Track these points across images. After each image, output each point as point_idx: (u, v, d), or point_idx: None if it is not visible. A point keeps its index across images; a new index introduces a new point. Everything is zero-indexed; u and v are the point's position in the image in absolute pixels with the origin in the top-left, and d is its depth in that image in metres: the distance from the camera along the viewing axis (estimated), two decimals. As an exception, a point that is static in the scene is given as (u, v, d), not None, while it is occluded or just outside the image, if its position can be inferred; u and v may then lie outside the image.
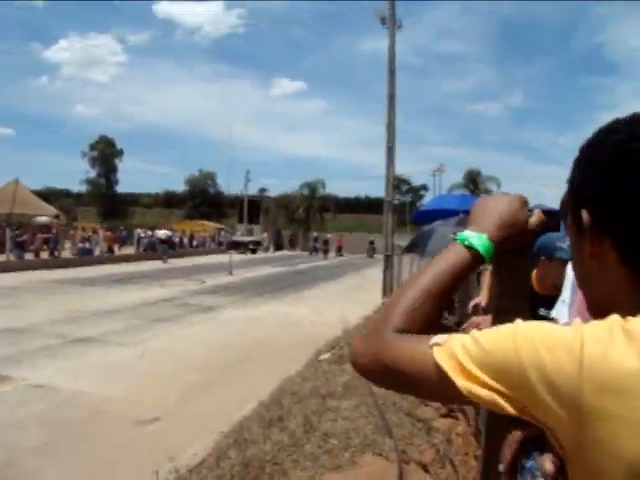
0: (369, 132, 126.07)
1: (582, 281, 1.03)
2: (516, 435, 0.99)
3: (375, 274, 21.33)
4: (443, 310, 1.07)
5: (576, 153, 1.00)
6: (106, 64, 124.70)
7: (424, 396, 1.15)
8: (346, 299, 17.64)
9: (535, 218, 1.16)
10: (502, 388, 0.84)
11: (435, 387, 0.90)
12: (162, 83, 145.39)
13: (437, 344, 0.91)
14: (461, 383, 0.86)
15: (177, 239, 43.59)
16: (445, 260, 1.08)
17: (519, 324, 0.88)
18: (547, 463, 0.87)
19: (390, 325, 1.00)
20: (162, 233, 36.36)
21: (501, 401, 0.84)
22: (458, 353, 0.88)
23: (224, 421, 5.72)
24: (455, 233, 1.11)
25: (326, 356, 7.47)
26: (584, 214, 0.93)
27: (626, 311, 0.86)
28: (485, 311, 4.24)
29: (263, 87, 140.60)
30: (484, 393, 0.85)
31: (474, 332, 0.90)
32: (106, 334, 11.41)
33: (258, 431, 4.75)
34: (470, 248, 1.08)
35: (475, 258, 1.08)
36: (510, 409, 0.84)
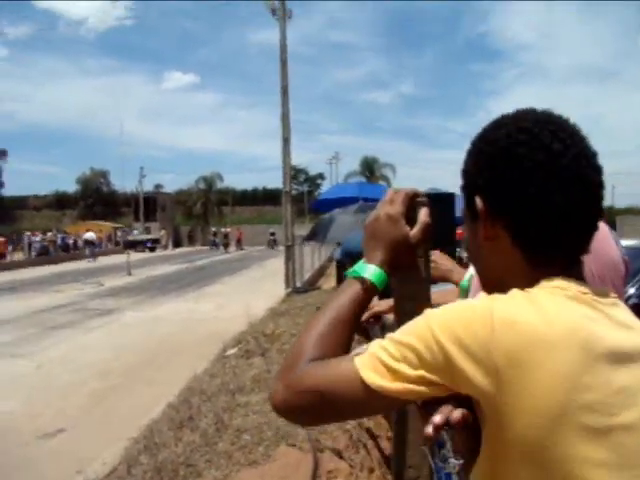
0: (264, 123, 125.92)
1: (477, 262, 1.10)
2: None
3: (277, 265, 21.35)
4: (353, 337, 1.10)
5: (467, 137, 1.08)
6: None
7: (356, 415, 1.17)
8: (249, 292, 17.55)
9: (422, 216, 1.20)
10: (428, 375, 0.89)
11: (364, 400, 0.92)
12: (47, 78, 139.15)
13: (357, 354, 0.95)
14: (387, 384, 0.90)
15: (71, 241, 42.06)
16: (343, 294, 1.12)
17: (429, 311, 0.95)
18: (456, 412, 0.89)
19: (304, 357, 1.01)
20: (88, 235, 38.73)
21: (428, 389, 0.90)
22: (380, 355, 0.93)
23: (133, 426, 5.56)
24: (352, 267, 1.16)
25: (233, 351, 7.41)
26: (478, 200, 1.01)
27: (519, 287, 0.95)
28: None
29: (154, 81, 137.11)
30: (411, 387, 0.90)
31: (389, 334, 0.95)
32: (-1, 346, 10.86)
33: (169, 434, 4.65)
34: (363, 280, 1.13)
35: (370, 289, 1.13)
36: (438, 392, 0.90)
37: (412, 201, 1.20)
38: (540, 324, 0.86)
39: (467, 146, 1.08)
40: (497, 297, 0.92)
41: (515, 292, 0.93)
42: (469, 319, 0.89)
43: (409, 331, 0.94)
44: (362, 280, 1.13)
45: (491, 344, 0.85)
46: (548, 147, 0.96)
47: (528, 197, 0.96)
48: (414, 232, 1.18)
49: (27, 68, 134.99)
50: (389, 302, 2.29)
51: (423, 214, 1.20)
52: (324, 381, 0.95)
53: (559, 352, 0.84)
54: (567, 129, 1.00)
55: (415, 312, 1.17)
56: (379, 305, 2.32)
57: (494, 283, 1.04)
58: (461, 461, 0.92)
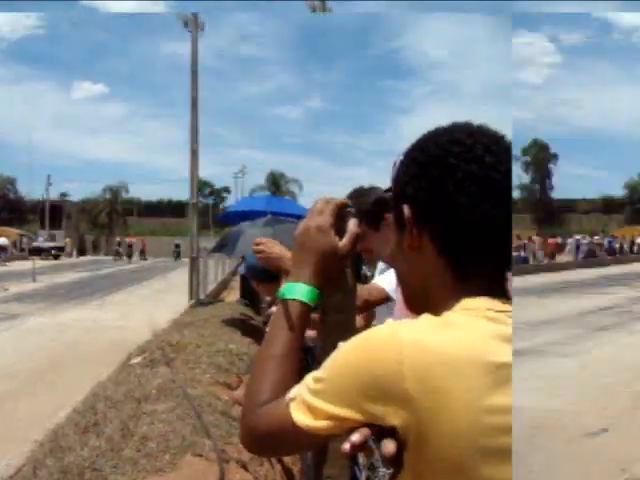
0: (171, 135, 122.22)
1: (402, 274, 1.04)
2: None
3: (180, 277, 20.97)
4: (301, 357, 1.07)
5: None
6: None
7: (306, 448, 1.14)
8: (153, 302, 17.18)
9: (351, 226, 1.15)
10: (345, 411, 0.85)
11: (302, 438, 0.90)
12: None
13: (292, 399, 0.92)
14: (313, 423, 0.87)
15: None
16: (279, 321, 1.07)
17: (341, 345, 0.91)
18: (389, 444, 0.84)
19: (258, 403, 0.99)
20: (1, 240, 38.60)
21: (349, 423, 0.86)
22: (304, 394, 0.90)
23: (37, 430, 5.39)
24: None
25: (137, 360, 7.27)
26: (405, 209, 0.95)
27: (441, 300, 0.93)
28: None
29: (64, 90, 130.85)
30: (333, 423, 0.86)
31: (313, 372, 0.92)
32: None
33: (74, 438, 4.53)
34: (296, 302, 1.07)
35: (304, 307, 1.07)
36: (360, 424, 0.86)
37: (341, 211, 1.15)
38: (449, 347, 0.82)
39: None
40: (403, 321, 0.89)
41: (424, 316, 0.90)
42: (375, 348, 0.85)
43: (326, 366, 0.90)
44: (297, 302, 1.07)
45: (402, 371, 0.81)
46: (481, 159, 0.92)
47: (458, 207, 0.91)
48: (343, 243, 1.12)
49: None
50: (280, 247, 2.15)
51: (352, 225, 1.15)
52: (271, 428, 0.94)
53: (467, 376, 0.81)
54: (500, 143, 0.96)
55: (341, 322, 1.19)
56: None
57: (417, 295, 1.01)
58: (391, 470, 0.89)
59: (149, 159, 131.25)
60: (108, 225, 63.09)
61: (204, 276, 17.73)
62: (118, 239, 50.31)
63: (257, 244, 2.19)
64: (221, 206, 70.26)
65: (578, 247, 35.87)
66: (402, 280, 1.05)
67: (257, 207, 12.26)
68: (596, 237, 39.15)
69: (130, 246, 46.74)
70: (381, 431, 0.84)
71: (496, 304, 0.90)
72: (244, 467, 3.83)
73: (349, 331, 1.12)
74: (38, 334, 12.15)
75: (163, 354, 6.93)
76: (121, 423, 4.49)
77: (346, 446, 0.84)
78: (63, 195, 64.88)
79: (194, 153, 17.01)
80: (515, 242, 32.23)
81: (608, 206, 71.79)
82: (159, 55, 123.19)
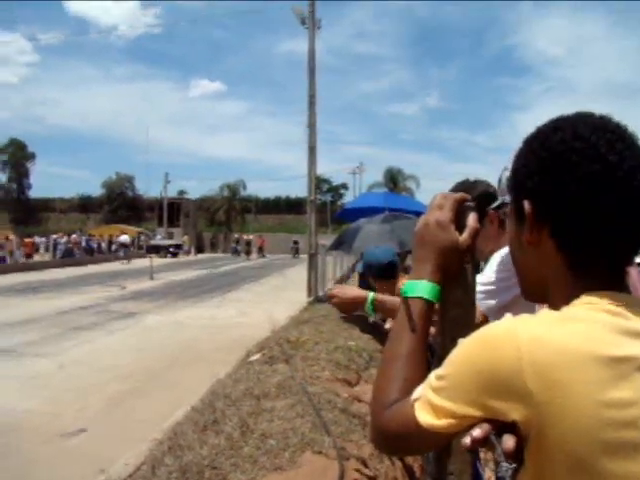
0: (289, 133, 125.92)
1: (519, 266, 1.09)
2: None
3: (299, 274, 21.36)
4: (426, 354, 1.12)
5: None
6: (16, 64, 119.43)
7: (430, 448, 1.18)
8: (271, 299, 17.57)
9: (471, 221, 1.19)
10: (465, 408, 0.89)
11: (427, 438, 0.94)
12: (76, 84, 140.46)
13: (416, 400, 0.97)
14: (436, 422, 0.92)
15: (95, 245, 42.51)
16: (402, 320, 1.13)
17: (461, 342, 0.94)
18: (509, 440, 0.87)
19: (385, 403, 1.04)
20: (123, 238, 41.88)
21: (471, 421, 0.90)
22: (427, 393, 0.94)
23: (156, 428, 5.53)
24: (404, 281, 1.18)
25: (256, 357, 7.35)
26: (526, 204, 0.99)
27: (560, 297, 0.97)
28: None
29: (182, 88, 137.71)
30: (456, 421, 0.91)
31: (436, 370, 0.96)
32: (21, 345, 10.95)
33: (193, 436, 4.60)
34: (421, 300, 1.13)
35: (426, 305, 1.13)
36: (476, 422, 0.89)
37: (460, 206, 1.20)
38: (568, 341, 0.85)
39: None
40: (521, 317, 0.91)
41: (543, 311, 0.94)
42: (494, 344, 0.89)
43: (447, 364, 0.95)
44: (420, 300, 1.13)
45: (521, 366, 0.84)
46: (604, 158, 0.93)
47: (579, 207, 0.94)
48: (463, 238, 1.17)
49: (57, 73, 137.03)
50: (352, 290, 2.49)
51: (472, 219, 1.20)
52: (399, 428, 0.99)
53: (587, 370, 0.83)
54: (625, 139, 0.96)
55: (461, 318, 1.22)
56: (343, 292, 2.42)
57: (535, 289, 1.06)
58: (514, 465, 0.90)
59: (267, 156, 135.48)
60: (226, 222, 65.32)
61: (322, 273, 18.04)
62: (236, 236, 52.08)
63: (330, 296, 2.46)
64: (339, 203, 71.10)
65: (56, 246, 37.57)
66: (520, 273, 1.10)
67: (374, 203, 12.40)
68: (74, 235, 41.47)
69: (248, 243, 48.21)
70: (502, 426, 0.88)
71: (617, 297, 0.93)
72: (364, 464, 3.78)
73: (469, 327, 1.15)
74: (155, 332, 12.72)
75: (282, 351, 6.98)
76: (240, 421, 4.52)
77: (467, 440, 0.88)
78: (181, 193, 68.06)
79: (312, 150, 17.39)
80: None
81: (85, 205, 79.70)
82: (276, 52, 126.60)
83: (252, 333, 10.33)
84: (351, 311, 2.49)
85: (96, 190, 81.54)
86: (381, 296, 2.46)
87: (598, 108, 1.00)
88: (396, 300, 2.00)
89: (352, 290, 2.47)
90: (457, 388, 0.91)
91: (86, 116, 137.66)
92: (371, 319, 6.71)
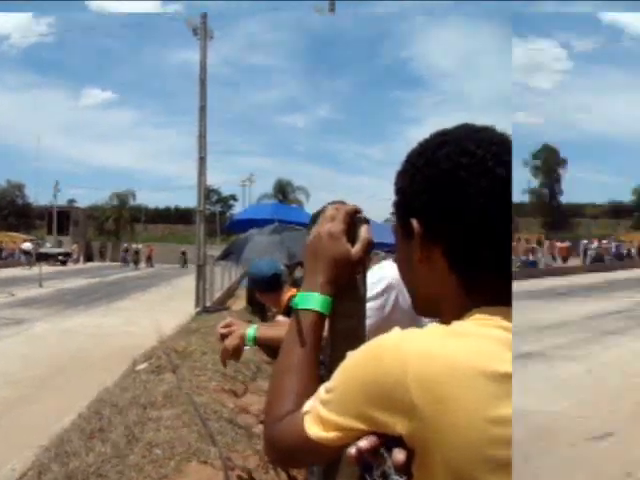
0: (179, 143, 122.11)
1: (409, 283, 1.03)
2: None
3: (187, 284, 21.01)
4: (319, 368, 1.09)
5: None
6: None
7: (323, 460, 1.12)
8: (159, 309, 17.13)
9: (363, 232, 1.14)
10: (351, 421, 0.85)
11: (318, 450, 0.90)
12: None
13: (306, 413, 0.92)
14: (324, 435, 0.88)
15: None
16: (293, 333, 1.07)
17: (349, 355, 0.91)
18: (399, 454, 0.84)
19: (277, 416, 1.00)
20: (26, 245, 41.30)
21: (358, 433, 0.86)
22: (317, 406, 0.91)
23: (43, 435, 5.37)
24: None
25: (143, 366, 7.26)
26: (414, 223, 0.92)
27: (452, 313, 0.91)
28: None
29: (73, 97, 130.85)
30: (343, 434, 0.87)
31: (326, 383, 0.92)
32: None
33: (79, 443, 4.52)
34: (312, 313, 1.08)
35: (318, 317, 1.08)
36: (369, 432, 0.86)
37: (352, 218, 1.14)
38: (457, 355, 0.81)
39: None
40: (408, 330, 0.87)
41: (433, 325, 0.89)
42: (379, 357, 0.84)
43: (335, 377, 0.90)
44: (311, 312, 1.08)
45: (406, 379, 0.80)
46: (492, 171, 0.89)
47: (469, 224, 0.89)
48: (355, 249, 1.11)
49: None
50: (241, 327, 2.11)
51: (364, 231, 1.14)
52: (290, 441, 0.95)
53: (474, 386, 0.79)
54: (509, 150, 0.93)
55: (351, 330, 1.17)
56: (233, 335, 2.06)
57: (426, 305, 1.00)
58: (403, 478, 0.87)
59: (157, 166, 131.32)
60: (115, 232, 63.20)
61: (211, 283, 17.78)
62: (125, 246, 50.31)
63: (222, 335, 2.08)
64: (228, 214, 70.30)
65: (586, 251, 35.73)
66: (410, 289, 1.04)
67: (264, 215, 12.17)
68: (604, 241, 38.76)
69: (137, 253, 46.76)
70: (393, 439, 0.83)
71: (508, 313, 0.88)
72: (249, 475, 3.81)
73: (359, 339, 1.11)
74: (44, 340, 12.18)
75: (169, 360, 6.92)
76: (126, 429, 4.47)
77: (352, 450, 0.85)
78: (71, 201, 65.07)
79: (202, 160, 17.01)
80: (524, 245, 32.39)
81: (616, 211, 71.67)
82: (168, 62, 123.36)
83: (139, 342, 10.10)
84: (238, 355, 2.11)
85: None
86: (262, 327, 2.16)
87: (491, 121, 0.95)
88: (279, 329, 1.86)
89: (240, 324, 2.15)
90: (343, 400, 0.86)
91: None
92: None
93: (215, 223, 55.96)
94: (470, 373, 0.79)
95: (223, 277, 21.60)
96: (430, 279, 0.95)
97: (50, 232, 50.40)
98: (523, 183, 67.06)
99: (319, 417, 0.89)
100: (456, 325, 0.87)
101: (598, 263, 33.30)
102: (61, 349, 11.17)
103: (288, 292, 3.83)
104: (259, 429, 4.57)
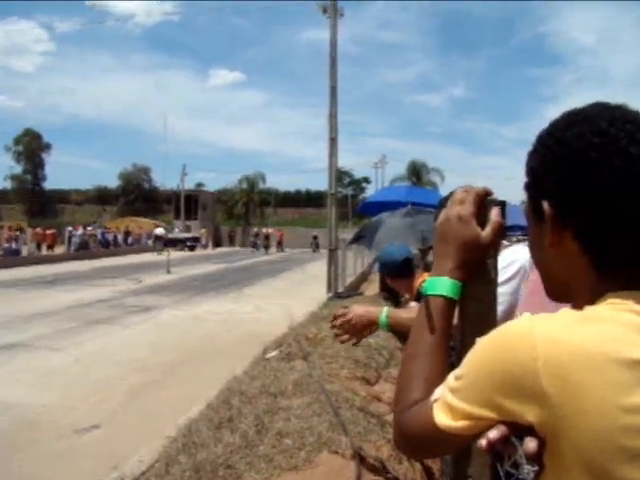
0: (309, 124, 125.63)
1: (541, 266, 1.07)
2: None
3: (318, 269, 21.36)
4: (449, 354, 1.14)
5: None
6: (31, 53, 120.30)
7: (451, 450, 1.19)
8: (290, 295, 17.60)
9: (494, 215, 1.18)
10: (481, 410, 0.89)
11: (446, 440, 0.95)
12: (93, 73, 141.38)
13: (435, 401, 0.97)
14: (453, 424, 0.92)
15: (111, 237, 42.88)
16: (422, 318, 1.14)
17: (478, 341, 0.94)
18: (530, 442, 0.88)
19: (406, 404, 1.05)
20: (158, 231, 44.10)
21: (489, 422, 0.90)
22: (445, 395, 0.95)
23: (170, 425, 5.58)
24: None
25: (273, 354, 7.40)
26: (545, 205, 0.97)
27: (585, 297, 0.95)
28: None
29: (200, 78, 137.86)
30: (473, 423, 0.91)
31: (455, 370, 0.96)
32: (36, 338, 11.07)
33: (208, 434, 4.65)
34: (443, 298, 1.14)
35: (447, 302, 1.14)
36: (492, 424, 0.89)
37: (483, 200, 1.19)
38: (588, 341, 0.83)
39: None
40: (538, 315, 0.90)
41: (564, 310, 0.92)
42: (509, 344, 0.88)
43: (464, 364, 0.95)
44: (441, 298, 1.14)
45: (536, 366, 0.84)
46: (625, 151, 0.91)
47: (602, 206, 0.92)
48: (486, 232, 1.17)
49: (74, 62, 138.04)
50: (363, 308, 2.41)
51: (495, 214, 1.18)
52: (419, 430, 0.99)
53: (605, 373, 0.81)
54: None
55: (481, 315, 1.22)
56: (356, 314, 2.35)
57: (558, 289, 1.04)
58: (536, 467, 0.91)
59: (287, 148, 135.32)
60: (245, 216, 65.59)
61: (343, 268, 18.09)
62: (255, 230, 52.16)
63: (334, 317, 2.42)
64: (360, 197, 70.98)
65: (71, 238, 37.77)
66: (542, 274, 1.08)
67: (397, 197, 12.23)
68: (89, 228, 42.13)
69: (267, 237, 48.23)
70: (523, 429, 0.87)
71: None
72: (382, 465, 3.78)
73: (490, 324, 1.16)
74: (172, 327, 12.82)
75: (299, 348, 7.01)
76: (256, 419, 4.55)
77: (482, 442, 0.89)
78: (199, 185, 68.53)
79: (332, 141, 17.37)
80: (7, 233, 35.03)
81: (102, 197, 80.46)
82: (298, 42, 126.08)
83: (270, 329, 10.39)
84: (361, 332, 2.40)
85: (112, 181, 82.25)
86: (395, 310, 2.42)
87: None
88: (412, 314, 2.08)
89: (366, 308, 2.42)
90: (472, 389, 0.90)
91: (102, 106, 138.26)
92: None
93: (347, 206, 56.58)
94: (602, 359, 0.82)
95: (355, 261, 21.81)
96: (562, 263, 1.00)
97: (178, 217, 53.11)
98: (5, 169, 75.96)
99: (448, 405, 0.93)
100: (588, 310, 0.91)
101: (84, 250, 36.28)
102: (190, 336, 11.69)
103: (420, 277, 3.91)
104: (392, 418, 4.51)
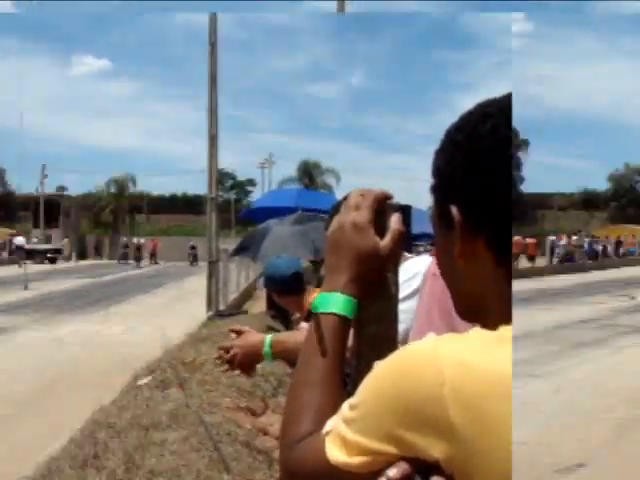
0: (186, 119, 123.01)
1: (450, 279, 1.03)
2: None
3: (197, 283, 21.14)
4: (344, 381, 1.08)
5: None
6: None
7: None
8: (166, 314, 17.32)
9: (394, 223, 1.12)
10: (380, 444, 0.85)
11: (339, 477, 0.89)
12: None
13: (327, 433, 0.92)
14: (349, 460, 0.87)
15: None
16: (312, 341, 1.07)
17: (377, 364, 0.90)
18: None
19: (294, 438, 0.99)
20: (18, 240, 41.97)
21: (388, 458, 0.85)
22: (339, 426, 0.90)
23: (28, 464, 5.41)
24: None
25: (145, 381, 7.30)
26: (454, 210, 0.92)
27: (500, 316, 0.90)
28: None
29: (62, 65, 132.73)
30: (370, 459, 0.86)
31: (350, 399, 0.92)
32: None
33: (71, 473, 4.55)
34: (330, 314, 1.07)
35: (341, 322, 1.07)
36: (394, 460, 0.85)
37: (382, 205, 1.12)
38: (502, 367, 0.80)
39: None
40: (445, 336, 0.87)
41: (475, 330, 0.88)
42: (412, 368, 0.84)
43: (360, 391, 0.90)
44: (333, 316, 1.06)
45: (442, 394, 0.79)
46: (510, 144, 0.89)
47: (508, 210, 0.89)
48: (385, 242, 1.09)
49: None
50: (245, 341, 2.42)
51: (395, 221, 1.12)
52: (309, 467, 0.94)
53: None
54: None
55: (380, 336, 1.15)
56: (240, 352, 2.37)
57: (470, 308, 1.00)
58: None
59: (161, 147, 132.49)
60: (113, 224, 63.96)
61: (224, 283, 17.94)
62: (125, 240, 51.01)
63: (223, 349, 2.43)
64: (245, 201, 70.71)
65: (553, 249, 36.28)
66: (451, 288, 1.04)
67: (286, 202, 12.24)
68: (574, 237, 39.33)
69: (139, 248, 47.21)
70: (428, 465, 0.83)
71: None
72: None
73: (389, 346, 1.11)
74: (29, 351, 12.36)
75: (175, 374, 6.94)
76: (125, 455, 4.48)
77: None
78: (60, 189, 66.05)
79: (212, 139, 17.04)
80: None
81: (589, 201, 72.99)
82: (172, 25, 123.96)
83: (141, 352, 10.20)
84: (251, 366, 2.44)
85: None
86: (280, 336, 2.42)
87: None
88: (300, 338, 2.09)
89: (253, 335, 2.43)
90: (369, 419, 0.85)
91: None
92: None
93: (230, 212, 56.34)
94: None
95: (239, 276, 21.73)
96: (474, 276, 0.95)
97: (36, 225, 51.27)
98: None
99: (342, 438, 0.88)
100: (503, 330, 0.86)
101: (569, 263, 34.51)
102: (50, 362, 11.29)
103: (312, 293, 3.82)
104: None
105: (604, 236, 45.33)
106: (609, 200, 70.51)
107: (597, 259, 37.80)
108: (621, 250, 42.48)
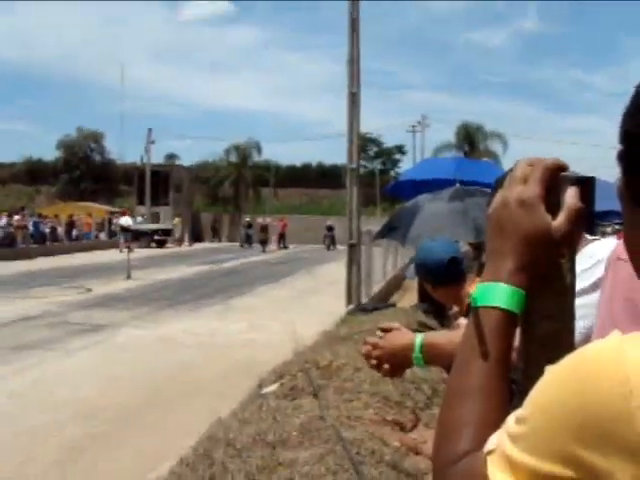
0: (322, 73, 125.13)
1: (638, 263, 1.05)
2: None
3: (335, 272, 21.46)
4: (509, 389, 1.11)
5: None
6: None
7: None
8: (296, 308, 17.70)
9: (570, 198, 1.12)
10: (551, 466, 0.85)
11: None
12: (19, 6, 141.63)
13: (489, 452, 0.93)
14: None
15: (47, 229, 43.01)
16: (471, 341, 1.11)
17: (549, 370, 0.91)
18: None
19: (450, 459, 1.01)
20: (124, 220, 43.70)
21: None
22: (504, 444, 0.91)
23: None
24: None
25: (272, 388, 7.42)
26: None
27: None
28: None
29: (169, 7, 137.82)
30: None
31: (517, 410, 0.93)
32: None
33: (181, 501, 4.66)
34: (492, 309, 1.10)
35: (506, 318, 1.10)
36: None
37: (555, 177, 1.13)
38: None
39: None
40: (633, 335, 0.88)
41: None
42: (592, 374, 0.84)
43: (529, 401, 0.92)
44: (496, 311, 1.10)
45: (629, 407, 0.79)
46: None
47: None
48: (559, 222, 1.11)
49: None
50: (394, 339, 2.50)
51: (571, 195, 1.12)
52: None
53: None
54: None
55: (553, 336, 1.17)
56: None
57: None
58: None
59: (291, 107, 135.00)
60: (233, 200, 65.80)
61: (368, 272, 18.20)
62: (248, 219, 52.28)
63: (366, 352, 2.51)
64: (392, 173, 71.01)
65: None
66: (637, 265, 1.06)
67: (442, 174, 12.45)
68: (17, 217, 41.33)
69: (265, 229, 48.38)
70: None
71: None
72: None
73: (565, 347, 1.11)
74: (132, 353, 12.87)
75: (308, 380, 7.00)
76: (248, 478, 4.53)
77: None
78: (170, 158, 68.66)
79: (353, 97, 17.27)
80: None
81: (34, 173, 78.72)
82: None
83: (267, 355, 10.42)
84: (400, 369, 2.53)
85: (50, 152, 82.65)
86: (433, 337, 2.49)
87: None
88: (456, 338, 1.98)
89: (401, 335, 2.51)
90: (541, 436, 0.87)
91: (31, 47, 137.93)
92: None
93: (374, 186, 56.67)
94: None
95: (385, 262, 21.90)
96: None
97: (142, 201, 53.30)
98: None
99: (507, 459, 0.90)
100: None
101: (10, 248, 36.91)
102: (157, 366, 11.73)
103: (473, 284, 3.81)
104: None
105: (53, 215, 48.00)
106: (59, 171, 74.52)
107: (45, 243, 41.14)
108: (74, 233, 45.92)
